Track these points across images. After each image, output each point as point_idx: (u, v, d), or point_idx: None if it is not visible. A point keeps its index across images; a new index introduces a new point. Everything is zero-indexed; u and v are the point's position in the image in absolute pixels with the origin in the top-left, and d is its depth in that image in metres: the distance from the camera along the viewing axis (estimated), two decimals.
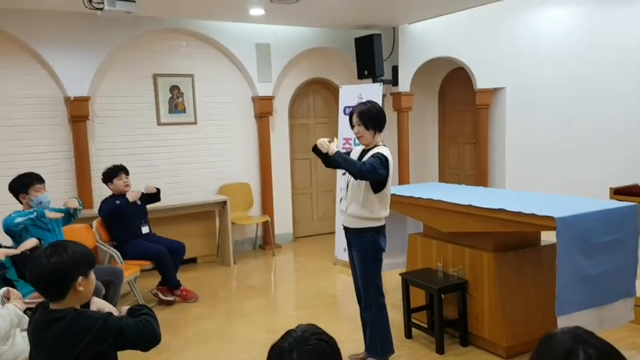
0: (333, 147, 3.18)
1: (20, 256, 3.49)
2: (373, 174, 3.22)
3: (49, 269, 1.89)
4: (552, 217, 3.01)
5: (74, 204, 4.43)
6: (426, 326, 4.00)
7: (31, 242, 3.54)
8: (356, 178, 3.29)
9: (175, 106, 6.42)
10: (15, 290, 2.95)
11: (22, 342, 2.86)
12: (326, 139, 3.20)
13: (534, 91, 7.41)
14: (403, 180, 7.11)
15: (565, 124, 7.37)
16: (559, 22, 7.36)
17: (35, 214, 3.94)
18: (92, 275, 2.00)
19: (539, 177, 7.14)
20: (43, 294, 2.00)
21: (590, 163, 7.25)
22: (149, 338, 1.98)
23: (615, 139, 7.24)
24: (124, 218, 5.04)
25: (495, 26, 7.27)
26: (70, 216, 4.41)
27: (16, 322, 2.81)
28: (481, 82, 7.38)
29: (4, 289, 2.94)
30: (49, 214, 4.08)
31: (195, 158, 6.55)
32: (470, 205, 3.61)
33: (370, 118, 3.36)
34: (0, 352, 2.77)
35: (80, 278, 1.92)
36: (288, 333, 1.42)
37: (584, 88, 7.25)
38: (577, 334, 1.16)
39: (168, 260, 4.96)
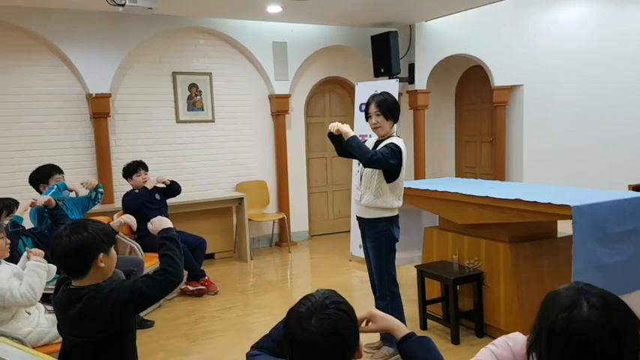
0: (350, 130, 3.22)
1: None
2: (383, 163, 3.25)
3: (69, 247, 1.93)
4: (568, 206, 3.01)
5: (92, 182, 4.51)
6: (441, 317, 4.01)
7: (49, 201, 3.62)
8: (365, 166, 3.32)
9: (194, 104, 6.52)
10: (35, 249, 3.03)
11: (46, 324, 2.95)
12: (338, 122, 3.26)
13: (552, 89, 7.38)
14: (419, 179, 7.12)
15: (582, 122, 7.32)
16: (576, 19, 7.32)
17: (55, 187, 4.00)
18: (113, 252, 2.05)
19: (556, 175, 7.09)
20: (65, 271, 2.06)
21: (607, 160, 7.19)
22: (170, 286, 2.06)
23: (633, 136, 7.16)
24: (145, 212, 5.13)
25: (513, 23, 7.25)
26: (92, 200, 4.54)
27: (45, 275, 2.87)
28: (498, 80, 7.36)
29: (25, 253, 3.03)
30: (71, 185, 4.16)
31: (212, 155, 6.64)
32: (486, 197, 3.61)
33: (388, 107, 3.39)
34: (24, 332, 2.86)
35: (101, 255, 1.97)
36: (307, 298, 1.42)
37: (602, 85, 7.20)
38: (578, 287, 1.21)
39: (187, 255, 5.05)
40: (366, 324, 1.62)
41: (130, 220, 2.57)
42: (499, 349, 1.45)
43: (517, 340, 1.44)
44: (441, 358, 1.54)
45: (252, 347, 1.75)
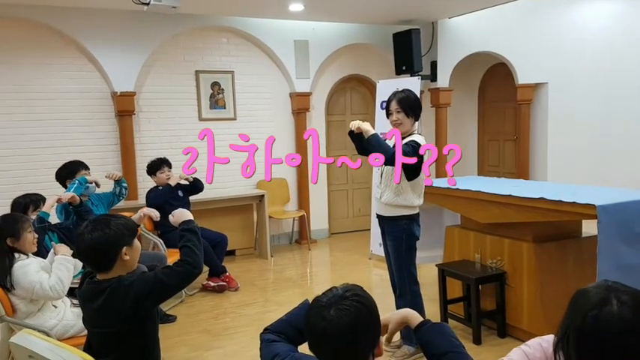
0: (370, 128, 3.21)
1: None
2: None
3: (92, 244, 1.96)
4: (593, 205, 2.96)
5: (116, 174, 4.64)
6: (462, 317, 3.97)
7: (72, 198, 3.66)
8: (386, 164, 3.31)
9: (216, 102, 6.58)
10: (62, 244, 3.10)
11: (72, 317, 3.01)
12: (359, 121, 3.25)
13: (577, 87, 7.24)
14: (441, 177, 7.06)
15: (608, 120, 7.17)
16: (603, 16, 7.17)
17: (77, 182, 4.04)
18: (136, 242, 2.07)
19: (581, 175, 6.95)
20: (91, 267, 2.10)
21: (634, 159, 7.02)
22: (189, 277, 2.06)
23: None
24: (168, 209, 5.18)
25: (537, 20, 7.14)
26: (116, 196, 4.61)
27: (72, 269, 2.95)
28: (522, 78, 7.25)
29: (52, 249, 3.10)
30: (91, 178, 4.23)
31: (233, 153, 6.65)
32: (509, 195, 3.56)
33: (410, 104, 3.37)
34: (50, 325, 2.92)
35: (125, 248, 2.00)
36: (330, 289, 1.44)
37: (628, 83, 7.04)
38: (608, 284, 1.18)
39: (209, 251, 5.10)
40: (385, 330, 1.61)
41: (151, 211, 2.67)
42: (531, 350, 1.43)
43: (550, 342, 1.41)
44: (458, 342, 1.52)
45: (266, 329, 1.72)
